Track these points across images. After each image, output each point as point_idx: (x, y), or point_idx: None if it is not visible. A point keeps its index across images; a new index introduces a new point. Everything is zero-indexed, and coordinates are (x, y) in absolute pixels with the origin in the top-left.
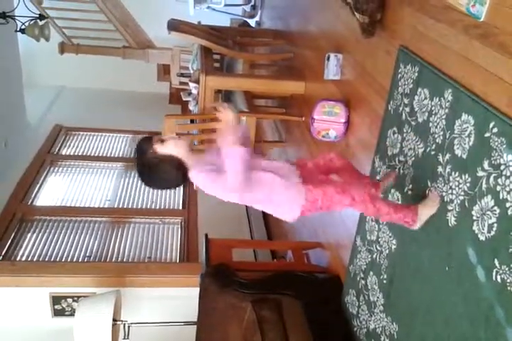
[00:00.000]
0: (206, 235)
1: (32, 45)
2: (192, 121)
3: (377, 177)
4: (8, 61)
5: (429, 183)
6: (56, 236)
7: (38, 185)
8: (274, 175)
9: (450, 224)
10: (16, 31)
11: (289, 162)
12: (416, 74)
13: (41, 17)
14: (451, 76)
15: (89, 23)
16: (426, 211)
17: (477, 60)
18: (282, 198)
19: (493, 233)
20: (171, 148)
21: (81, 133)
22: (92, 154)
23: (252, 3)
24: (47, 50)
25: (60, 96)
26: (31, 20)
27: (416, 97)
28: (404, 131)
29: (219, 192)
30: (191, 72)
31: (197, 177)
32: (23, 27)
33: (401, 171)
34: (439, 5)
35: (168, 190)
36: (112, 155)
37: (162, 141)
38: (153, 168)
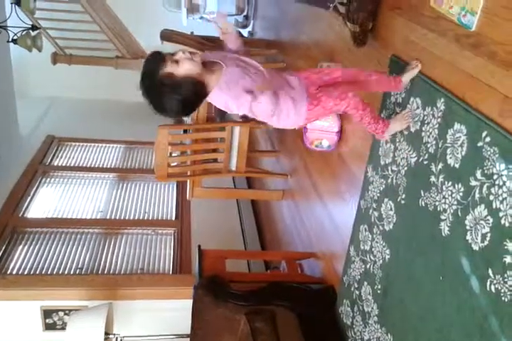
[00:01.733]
0: (199, 246)
1: (24, 56)
2: (185, 131)
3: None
4: (0, 72)
5: (422, 193)
6: (48, 248)
7: (30, 197)
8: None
9: (443, 234)
10: (8, 42)
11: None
12: (408, 83)
13: (34, 27)
14: (444, 85)
15: (82, 34)
16: (395, 127)
17: (469, 69)
18: (286, 117)
19: (486, 243)
20: (186, 67)
21: (73, 143)
22: (85, 165)
23: (245, 13)
24: (39, 61)
25: (53, 107)
26: (23, 30)
27: (408, 106)
28: (397, 140)
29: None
30: None
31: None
32: (15, 37)
33: (394, 181)
34: (431, 15)
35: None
36: (105, 166)
37: (176, 61)
38: (173, 92)
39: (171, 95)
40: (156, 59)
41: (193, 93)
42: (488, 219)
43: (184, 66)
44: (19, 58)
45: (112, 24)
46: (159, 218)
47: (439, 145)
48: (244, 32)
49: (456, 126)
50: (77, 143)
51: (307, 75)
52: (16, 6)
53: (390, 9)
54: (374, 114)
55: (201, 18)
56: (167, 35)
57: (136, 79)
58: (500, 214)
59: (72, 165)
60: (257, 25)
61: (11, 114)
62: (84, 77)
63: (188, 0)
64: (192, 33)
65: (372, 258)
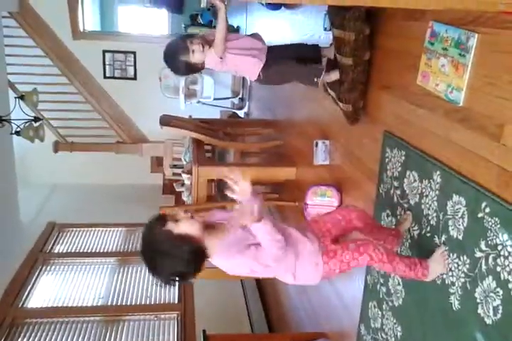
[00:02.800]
0: (204, 331)
1: (26, 145)
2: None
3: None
4: (3, 163)
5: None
6: (48, 339)
7: (30, 286)
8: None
9: (454, 308)
10: (12, 134)
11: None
12: (403, 157)
13: (36, 119)
14: (438, 158)
15: (83, 122)
16: (436, 269)
17: (461, 142)
18: (303, 272)
19: (499, 316)
20: (186, 227)
21: (74, 229)
22: (86, 250)
23: (240, 95)
24: (41, 149)
25: (54, 193)
26: (26, 122)
27: (405, 180)
28: (398, 213)
29: (257, 266)
30: (184, 163)
31: (229, 258)
32: (18, 129)
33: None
34: (419, 92)
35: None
36: (106, 250)
37: (176, 220)
38: (170, 251)
39: (166, 256)
40: (157, 218)
41: (190, 255)
42: (497, 291)
43: (183, 226)
44: (21, 148)
45: (112, 112)
46: (162, 302)
47: (440, 218)
48: (241, 113)
49: (455, 197)
50: (79, 229)
51: (319, 226)
52: (20, 100)
53: (379, 88)
54: (407, 261)
55: (198, 102)
56: (166, 120)
57: (136, 162)
58: (510, 285)
59: (73, 251)
60: (252, 106)
61: (12, 204)
62: (85, 162)
63: (186, 86)
64: (190, 116)
65: (384, 336)
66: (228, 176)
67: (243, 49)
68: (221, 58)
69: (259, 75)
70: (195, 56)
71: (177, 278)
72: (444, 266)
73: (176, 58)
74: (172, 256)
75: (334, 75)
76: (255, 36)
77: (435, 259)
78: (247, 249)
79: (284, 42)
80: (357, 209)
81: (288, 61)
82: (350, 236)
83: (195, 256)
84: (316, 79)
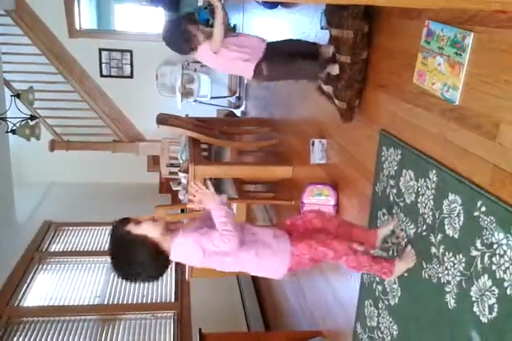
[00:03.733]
0: (200, 330)
1: (22, 144)
2: (182, 211)
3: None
4: None
5: (423, 264)
6: (44, 338)
7: (26, 285)
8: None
9: (450, 306)
10: (7, 132)
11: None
12: (399, 156)
13: (32, 117)
14: (434, 157)
15: (79, 120)
16: (402, 265)
17: (456, 141)
18: (269, 257)
19: (495, 314)
20: (145, 228)
21: (71, 228)
22: (82, 249)
23: (237, 94)
24: (37, 148)
25: (50, 192)
26: (22, 120)
27: (402, 179)
28: (394, 212)
29: (210, 253)
30: (180, 162)
31: (183, 243)
32: (14, 128)
33: (395, 253)
34: (415, 91)
35: (145, 281)
36: (102, 249)
37: (138, 222)
38: (125, 247)
39: (123, 255)
40: (122, 221)
41: (145, 257)
42: (493, 290)
43: (142, 228)
44: (17, 146)
45: (109, 110)
46: (158, 301)
47: (436, 216)
48: (238, 112)
49: (451, 196)
50: (75, 227)
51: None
52: (16, 98)
53: (375, 87)
54: (370, 255)
55: (195, 101)
56: (163, 119)
57: (133, 161)
58: (506, 284)
59: (69, 249)
60: (249, 105)
61: (8, 203)
62: (81, 161)
63: (182, 85)
64: (187, 115)
65: (380, 334)
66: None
67: (240, 46)
68: (215, 53)
69: (261, 72)
70: (192, 28)
71: (136, 278)
72: (411, 262)
73: (178, 29)
74: (128, 256)
75: (335, 69)
76: (253, 36)
77: (403, 257)
78: (197, 229)
79: (284, 38)
80: (314, 212)
81: (291, 56)
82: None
83: (152, 257)
84: (320, 74)
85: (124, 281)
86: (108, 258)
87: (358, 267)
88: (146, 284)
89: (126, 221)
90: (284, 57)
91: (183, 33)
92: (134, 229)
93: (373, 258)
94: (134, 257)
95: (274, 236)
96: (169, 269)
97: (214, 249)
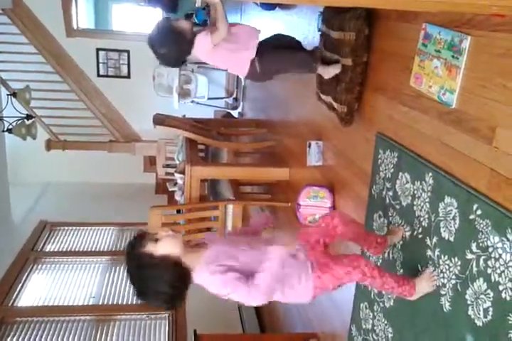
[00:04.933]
0: (195, 331)
1: (18, 143)
2: (178, 211)
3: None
4: None
5: (419, 267)
6: (38, 338)
7: (21, 285)
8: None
9: (445, 309)
10: (3, 131)
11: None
12: (395, 159)
13: (28, 116)
14: (430, 160)
15: (76, 120)
16: (423, 289)
17: (452, 144)
18: (293, 292)
19: (489, 318)
20: (166, 247)
21: (66, 228)
22: (78, 249)
23: (234, 95)
24: (33, 148)
25: (46, 192)
26: (18, 120)
27: (398, 181)
28: (390, 214)
29: (236, 297)
30: (177, 162)
31: (211, 278)
32: (10, 127)
33: (390, 255)
34: (412, 94)
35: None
36: (98, 249)
37: (156, 240)
38: (152, 273)
39: (152, 279)
40: (137, 238)
41: (172, 276)
42: (488, 293)
43: (163, 247)
44: (13, 146)
45: (105, 110)
46: None
47: (432, 219)
48: (235, 113)
49: (447, 199)
50: (70, 227)
51: (306, 237)
52: (12, 97)
53: (372, 90)
54: (395, 277)
55: (192, 101)
56: (160, 119)
57: (129, 161)
58: (500, 287)
59: (64, 250)
60: (246, 106)
61: (3, 203)
62: (77, 161)
63: (180, 86)
64: (184, 115)
65: (375, 337)
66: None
67: (236, 37)
68: (214, 45)
69: (255, 70)
70: (181, 22)
71: (165, 301)
72: (431, 287)
73: (163, 34)
74: (155, 279)
75: (333, 69)
76: (251, 27)
77: (423, 279)
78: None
79: (273, 34)
80: (337, 213)
81: (282, 49)
82: (339, 250)
83: (178, 276)
84: (314, 64)
85: (120, 282)
86: (109, 259)
87: (379, 288)
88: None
89: (143, 238)
90: (274, 51)
91: (169, 36)
92: (153, 248)
93: (397, 281)
94: (162, 279)
95: (296, 268)
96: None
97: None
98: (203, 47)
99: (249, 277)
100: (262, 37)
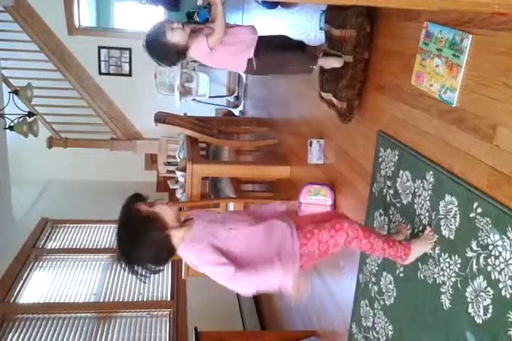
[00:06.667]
0: (196, 328)
1: (19, 140)
2: (180, 209)
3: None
4: None
5: (420, 265)
6: (39, 335)
7: (22, 282)
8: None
9: (445, 307)
10: (5, 128)
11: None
12: (396, 157)
13: (30, 114)
14: (431, 158)
15: (77, 118)
16: (418, 248)
17: (454, 142)
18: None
19: (489, 315)
20: (158, 209)
21: (67, 225)
22: (79, 246)
23: (236, 94)
24: (35, 145)
25: (48, 189)
26: (20, 117)
27: (398, 180)
28: (390, 212)
29: (220, 278)
30: (178, 160)
31: (196, 255)
32: (11, 124)
33: None
34: (413, 92)
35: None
36: (99, 247)
37: (151, 205)
38: (135, 223)
39: (133, 233)
40: (132, 199)
41: (153, 237)
42: (488, 291)
43: (156, 207)
44: (15, 143)
45: (107, 108)
46: (154, 299)
47: (433, 217)
48: (236, 111)
49: (447, 197)
50: (71, 225)
51: (298, 219)
52: (14, 95)
53: (373, 88)
54: (385, 238)
55: (193, 100)
56: (161, 118)
57: (131, 159)
58: (500, 285)
59: (65, 247)
60: (247, 104)
61: (5, 200)
62: (79, 158)
63: (181, 84)
64: (185, 114)
65: (375, 335)
66: None
67: (234, 39)
68: (211, 49)
69: (252, 65)
70: (175, 35)
71: (141, 265)
72: (428, 245)
73: (157, 41)
74: (136, 234)
75: (336, 62)
76: (249, 28)
77: (420, 238)
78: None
79: (273, 33)
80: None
81: (280, 49)
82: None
83: (158, 240)
84: (311, 66)
85: (121, 279)
86: (110, 256)
87: (370, 251)
88: (142, 280)
89: (139, 198)
90: (272, 50)
91: (162, 45)
92: (145, 208)
93: (387, 241)
94: (142, 235)
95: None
96: (165, 268)
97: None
98: (200, 51)
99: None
100: (265, 34)
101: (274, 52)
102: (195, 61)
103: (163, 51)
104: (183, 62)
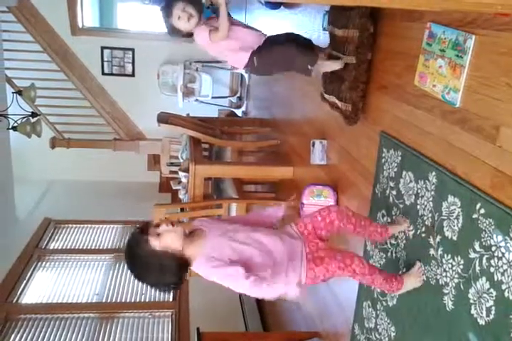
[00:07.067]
0: (198, 329)
1: (23, 141)
2: (182, 210)
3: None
4: None
5: (422, 266)
6: (42, 336)
7: (25, 282)
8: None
9: (448, 308)
10: (8, 129)
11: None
12: (399, 158)
13: (33, 114)
14: (434, 159)
15: (80, 118)
16: (410, 284)
17: (457, 143)
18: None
19: (492, 317)
20: (168, 240)
21: (70, 225)
22: (82, 247)
23: (238, 94)
24: (38, 145)
25: (50, 190)
26: (23, 117)
27: (401, 180)
28: (393, 213)
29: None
30: (181, 161)
31: (212, 271)
32: (15, 125)
33: (394, 254)
34: (416, 93)
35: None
36: (102, 247)
37: (158, 235)
38: (151, 264)
39: (154, 272)
40: (139, 233)
41: (174, 268)
42: (491, 292)
43: (165, 240)
44: (18, 143)
45: (109, 108)
46: (156, 299)
47: (435, 218)
48: (239, 112)
49: (450, 198)
50: (74, 225)
51: (303, 228)
52: (17, 95)
53: (376, 89)
54: (384, 275)
55: (196, 100)
56: (164, 118)
57: (133, 159)
58: (503, 286)
59: (68, 247)
60: (250, 105)
61: (8, 200)
62: (82, 159)
63: (184, 84)
64: (188, 114)
65: (377, 336)
66: None
67: (237, 40)
68: (212, 42)
69: (252, 63)
70: (180, 24)
71: (165, 288)
72: (419, 282)
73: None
74: (157, 271)
75: (334, 65)
76: (254, 31)
77: (411, 274)
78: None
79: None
80: (335, 208)
81: (281, 47)
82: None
83: (179, 267)
84: (309, 67)
85: (123, 280)
86: (113, 257)
87: (368, 284)
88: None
89: (144, 232)
90: (275, 50)
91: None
92: (155, 243)
93: (386, 278)
94: (164, 271)
95: (288, 258)
96: None
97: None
98: (201, 39)
99: (248, 266)
100: (272, 33)
101: (277, 49)
102: (198, 61)
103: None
104: (185, 63)
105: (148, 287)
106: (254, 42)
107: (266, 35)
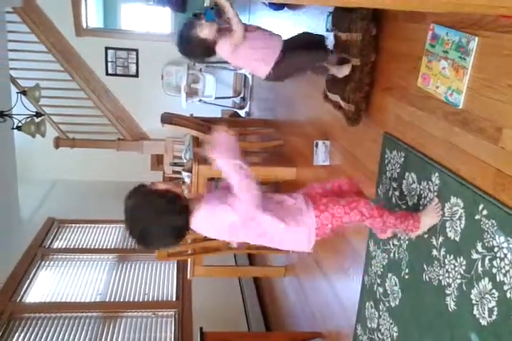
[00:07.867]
0: (201, 329)
1: (27, 141)
2: None
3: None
4: (4, 158)
5: (425, 267)
6: (45, 335)
7: (28, 281)
8: (276, 217)
9: (450, 309)
10: (13, 129)
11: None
12: (402, 159)
13: (38, 114)
14: (437, 160)
15: (84, 118)
16: (428, 220)
17: (460, 144)
18: (295, 226)
19: (494, 317)
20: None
21: (74, 225)
22: (85, 246)
23: (242, 95)
24: (42, 145)
25: (54, 189)
26: (28, 117)
27: (404, 181)
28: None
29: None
30: (184, 161)
31: (209, 214)
32: (19, 124)
33: (396, 255)
34: (419, 94)
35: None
36: (105, 247)
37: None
38: (156, 206)
39: (151, 211)
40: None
41: (173, 206)
42: (493, 293)
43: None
44: (22, 143)
45: (113, 108)
46: (159, 299)
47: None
48: (242, 112)
49: (453, 199)
50: (78, 225)
51: (309, 190)
52: (22, 95)
53: (381, 90)
54: (396, 214)
55: (200, 100)
56: (167, 118)
57: (137, 159)
58: (505, 287)
59: (72, 246)
60: (253, 105)
61: (12, 200)
62: (85, 159)
63: (187, 85)
64: (191, 115)
65: (380, 336)
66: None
67: (257, 46)
68: (235, 46)
69: (271, 75)
70: (203, 30)
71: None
72: (437, 217)
73: (187, 37)
74: (157, 210)
75: (345, 69)
76: (272, 34)
77: (428, 210)
78: (224, 198)
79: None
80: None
81: (298, 51)
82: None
83: (178, 207)
84: (327, 69)
85: (127, 279)
86: (116, 256)
87: (383, 228)
88: (148, 282)
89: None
90: (291, 56)
91: (193, 40)
92: (156, 186)
93: (399, 218)
94: (164, 210)
95: (297, 207)
96: (171, 268)
97: (242, 220)
98: (224, 51)
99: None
100: (288, 37)
101: (292, 58)
102: (201, 62)
103: (193, 46)
104: (189, 63)
105: (154, 238)
106: (273, 47)
107: (282, 37)
